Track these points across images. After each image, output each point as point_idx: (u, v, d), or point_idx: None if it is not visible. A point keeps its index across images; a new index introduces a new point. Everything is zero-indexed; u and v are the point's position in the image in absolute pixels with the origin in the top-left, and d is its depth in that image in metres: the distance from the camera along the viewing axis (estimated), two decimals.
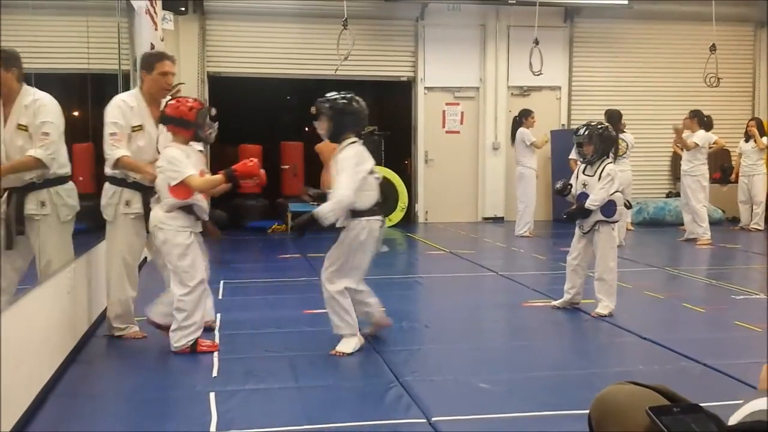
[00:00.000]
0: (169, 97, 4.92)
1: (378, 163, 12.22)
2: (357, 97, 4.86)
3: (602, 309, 5.73)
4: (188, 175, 4.45)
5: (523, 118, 11.16)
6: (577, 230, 5.97)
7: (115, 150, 4.79)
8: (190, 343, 4.61)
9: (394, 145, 13.59)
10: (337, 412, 3.68)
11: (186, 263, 4.56)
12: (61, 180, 4.45)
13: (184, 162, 4.49)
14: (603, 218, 5.76)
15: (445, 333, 5.41)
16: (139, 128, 4.90)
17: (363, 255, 4.77)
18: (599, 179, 5.73)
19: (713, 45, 11.18)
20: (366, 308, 4.92)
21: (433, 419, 3.52)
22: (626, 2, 12.88)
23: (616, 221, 5.96)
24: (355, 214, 4.67)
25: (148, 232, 4.91)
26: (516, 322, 5.94)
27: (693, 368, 4.40)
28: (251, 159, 4.63)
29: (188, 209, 4.56)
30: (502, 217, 13.50)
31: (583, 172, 5.88)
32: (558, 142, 13.04)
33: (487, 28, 13.48)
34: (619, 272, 6.05)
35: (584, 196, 5.81)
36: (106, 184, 5.00)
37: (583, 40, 13.91)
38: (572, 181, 6.04)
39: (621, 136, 10.16)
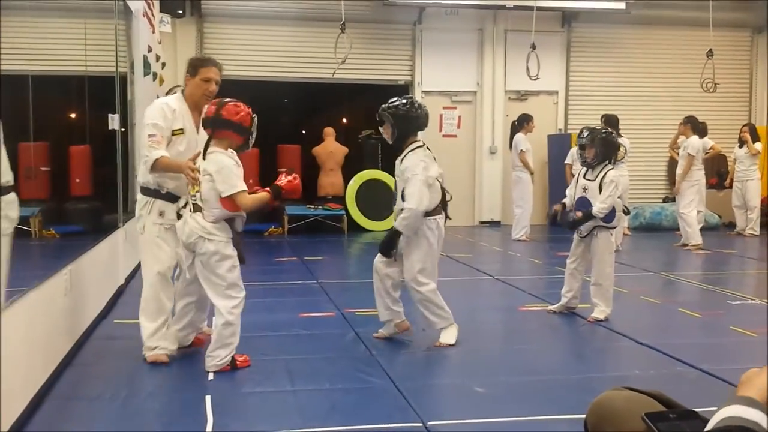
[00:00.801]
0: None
1: (375, 167, 12.35)
2: (417, 101, 5.17)
3: (598, 314, 5.74)
4: (241, 191, 4.22)
5: (523, 123, 11.17)
6: (575, 235, 5.97)
7: (153, 151, 4.47)
8: (230, 358, 4.36)
9: (391, 148, 13.54)
10: (332, 416, 3.68)
11: (236, 275, 4.34)
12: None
13: (237, 173, 4.25)
14: (602, 224, 5.75)
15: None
16: (180, 132, 4.69)
17: (436, 252, 5.13)
18: (601, 185, 5.70)
19: (710, 50, 11.21)
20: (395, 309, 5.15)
21: (429, 423, 3.51)
22: (623, 7, 12.91)
23: (615, 227, 5.94)
24: (426, 214, 4.96)
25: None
26: (512, 326, 5.94)
27: (689, 373, 4.40)
28: (294, 175, 4.50)
29: (230, 220, 4.32)
30: (499, 221, 13.50)
31: (584, 177, 5.87)
32: (555, 147, 13.07)
33: (485, 32, 13.50)
34: (615, 277, 6.06)
35: (583, 200, 5.79)
36: (139, 195, 4.77)
37: (580, 45, 13.94)
38: (569, 189, 6.06)
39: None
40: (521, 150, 11.02)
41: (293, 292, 6.98)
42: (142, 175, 4.66)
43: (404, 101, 5.06)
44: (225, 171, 4.20)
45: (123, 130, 7.42)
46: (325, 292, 6.83)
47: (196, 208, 4.25)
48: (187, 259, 4.41)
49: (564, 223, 6.00)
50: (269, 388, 4.07)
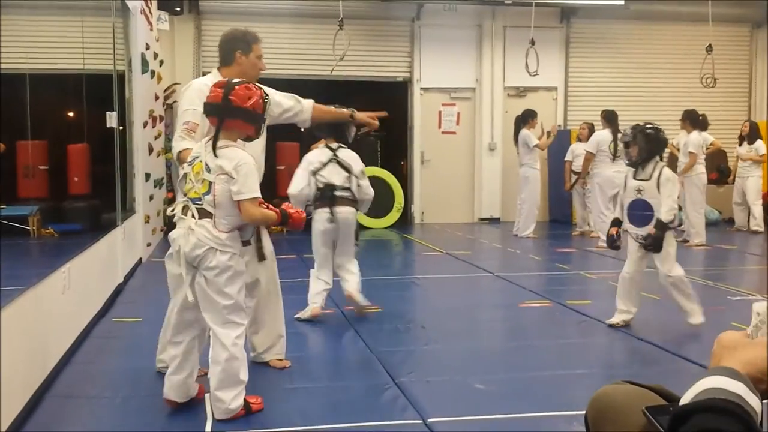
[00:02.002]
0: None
1: (374, 164, 12.32)
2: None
3: (693, 318, 5.34)
4: (255, 197, 3.53)
5: (527, 119, 11.15)
6: (631, 241, 5.49)
7: (180, 141, 3.97)
8: (242, 401, 3.63)
9: (390, 145, 13.58)
10: (332, 414, 3.67)
11: (243, 297, 3.65)
12: None
13: (256, 175, 3.58)
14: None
15: (441, 334, 5.39)
16: None
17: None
18: (658, 184, 5.24)
19: (710, 45, 11.19)
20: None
21: (429, 420, 3.51)
22: (622, 3, 12.89)
23: (674, 227, 5.48)
24: None
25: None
26: (512, 322, 5.93)
27: (690, 369, 4.39)
28: (303, 212, 3.87)
29: (241, 228, 3.64)
30: (498, 218, 13.49)
31: (634, 177, 5.42)
32: (555, 142, 13.03)
33: (483, 28, 13.48)
34: (615, 273, 5.99)
35: (641, 203, 5.34)
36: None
37: (579, 41, 13.92)
38: (620, 193, 5.62)
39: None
40: (534, 145, 10.99)
41: (292, 289, 6.94)
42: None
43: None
44: (245, 170, 3.50)
45: (121, 128, 7.40)
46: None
47: (203, 214, 3.51)
48: (187, 277, 3.57)
49: (643, 245, 5.36)
50: (268, 386, 4.06)
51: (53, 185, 6.69)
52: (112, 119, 6.76)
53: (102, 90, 6.92)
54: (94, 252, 5.45)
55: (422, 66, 13.33)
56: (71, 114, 7.07)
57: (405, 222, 13.17)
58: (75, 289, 4.75)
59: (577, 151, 11.36)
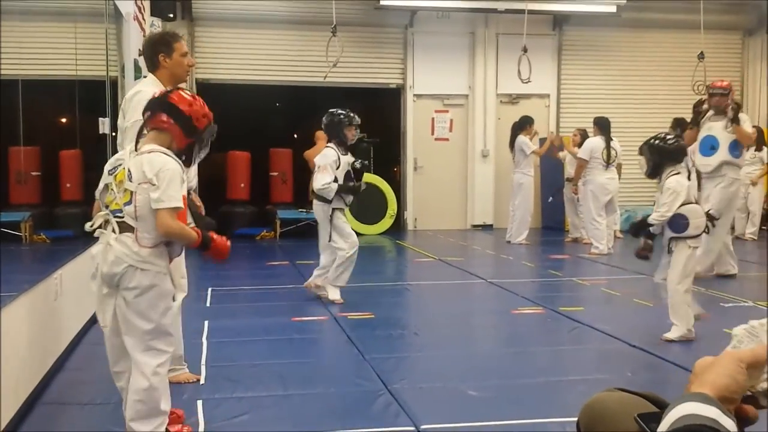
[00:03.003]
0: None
1: (367, 171, 12.33)
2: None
3: (671, 333, 5.21)
4: (176, 207, 3.15)
5: (524, 126, 11.18)
6: (664, 249, 5.44)
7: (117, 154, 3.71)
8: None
9: (383, 152, 13.58)
10: (325, 420, 3.67)
11: (168, 320, 3.30)
12: None
13: (179, 183, 3.19)
14: (676, 234, 5.21)
15: (434, 340, 5.40)
16: None
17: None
18: (662, 193, 5.24)
19: (701, 53, 11.23)
20: None
21: (422, 427, 3.51)
22: (614, 10, 12.94)
23: (692, 236, 5.24)
24: None
25: None
26: (505, 329, 5.94)
27: (681, 375, 4.40)
28: (227, 239, 3.50)
29: (169, 243, 3.27)
30: (491, 225, 13.50)
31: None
32: (547, 150, 13.08)
33: (476, 35, 13.52)
34: (607, 279, 6.05)
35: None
36: None
37: (571, 48, 13.96)
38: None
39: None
40: (532, 151, 11.02)
41: (286, 296, 6.96)
42: None
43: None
44: (168, 176, 3.12)
45: (114, 134, 7.38)
46: (317, 296, 6.81)
47: (124, 228, 3.15)
48: (109, 300, 3.23)
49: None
50: (262, 393, 4.06)
51: (46, 191, 6.66)
52: (104, 125, 6.74)
53: (95, 96, 6.91)
54: (86, 258, 5.43)
55: (415, 73, 13.35)
56: (64, 120, 7.05)
57: (398, 228, 13.17)
58: (67, 295, 4.74)
59: (568, 158, 11.40)
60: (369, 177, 12.28)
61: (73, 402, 3.99)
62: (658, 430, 1.19)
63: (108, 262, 3.14)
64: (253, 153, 13.05)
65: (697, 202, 5.54)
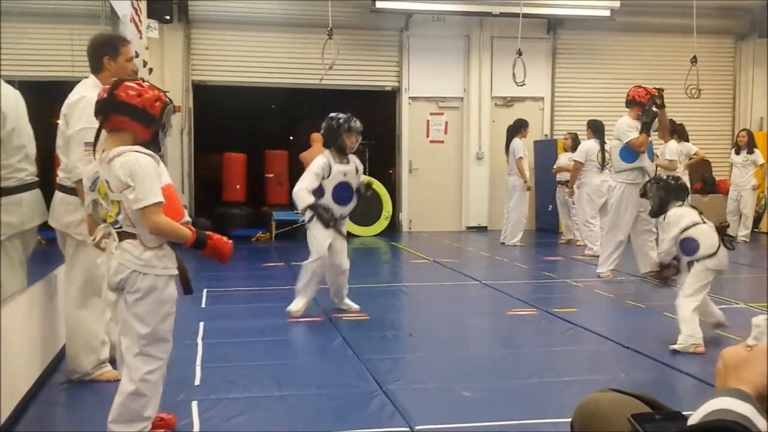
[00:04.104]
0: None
1: (363, 173, 12.37)
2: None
3: (678, 343, 5.03)
4: (158, 202, 3.07)
5: (519, 129, 11.22)
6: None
7: (89, 166, 3.54)
8: None
9: (379, 154, 13.62)
10: (320, 421, 3.69)
11: (168, 326, 3.24)
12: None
13: (154, 177, 3.10)
14: (689, 258, 5.18)
15: (428, 341, 5.42)
16: None
17: None
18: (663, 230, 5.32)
19: (694, 57, 11.30)
20: None
21: (417, 428, 3.53)
22: (608, 14, 13.00)
23: (704, 257, 5.12)
24: None
25: None
26: (500, 330, 5.96)
27: (674, 376, 4.44)
28: (230, 240, 3.44)
29: (174, 243, 3.27)
30: (486, 227, 13.55)
31: None
32: (541, 152, 13.13)
33: (471, 38, 13.56)
34: (601, 281, 6.01)
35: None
36: (68, 197, 4.22)
37: (566, 52, 14.02)
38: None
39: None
40: (519, 156, 11.06)
41: (281, 297, 6.96)
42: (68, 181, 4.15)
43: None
44: (141, 173, 3.05)
45: None
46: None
47: (124, 236, 3.13)
48: (115, 301, 3.25)
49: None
50: (257, 393, 4.07)
51: (42, 193, 6.66)
52: None
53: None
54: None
55: (410, 75, 13.39)
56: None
57: (393, 230, 13.20)
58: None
59: (562, 162, 11.44)
60: (364, 179, 12.30)
61: (67, 403, 4.01)
62: (689, 421, 1.20)
63: (112, 269, 3.13)
64: (249, 155, 13.07)
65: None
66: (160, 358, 3.23)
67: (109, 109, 3.16)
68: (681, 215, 5.27)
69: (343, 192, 6.03)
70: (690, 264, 5.19)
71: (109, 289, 3.20)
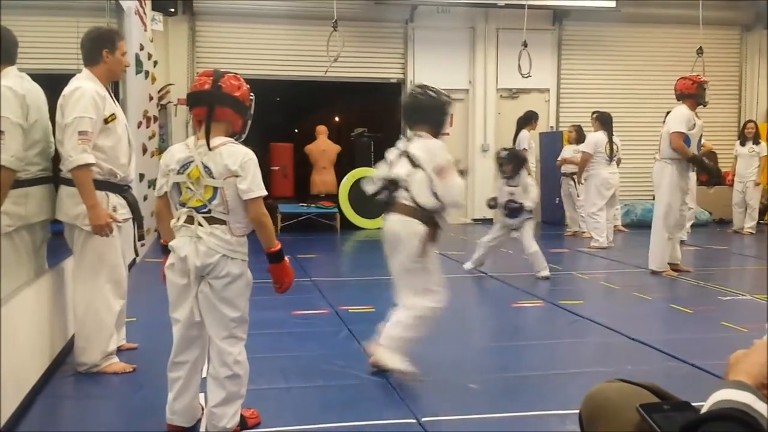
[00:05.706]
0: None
1: (368, 165, 12.36)
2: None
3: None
4: (264, 195, 3.23)
5: (529, 121, 11.19)
6: None
7: (84, 154, 3.99)
8: (239, 417, 3.40)
9: (384, 146, 13.57)
10: (326, 413, 3.69)
11: (248, 307, 3.39)
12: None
13: (260, 172, 3.26)
14: None
15: (434, 333, 5.40)
16: (114, 117, 4.27)
17: None
18: None
19: (700, 48, 11.26)
20: None
21: (423, 419, 3.53)
22: (614, 5, 12.96)
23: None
24: None
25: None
26: (505, 322, 5.96)
27: (680, 368, 4.43)
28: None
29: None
30: (491, 219, 13.52)
31: None
32: (546, 144, 13.11)
33: (476, 30, 13.53)
34: (607, 273, 6.05)
35: None
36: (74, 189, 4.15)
37: (571, 43, 13.98)
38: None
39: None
40: (523, 148, 11.04)
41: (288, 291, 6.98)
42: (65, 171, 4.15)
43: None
44: (252, 165, 3.19)
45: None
46: (318, 290, 6.84)
47: (213, 221, 3.19)
48: (188, 292, 3.25)
49: None
50: (263, 386, 4.07)
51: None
52: None
53: None
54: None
55: (416, 67, 13.36)
56: (57, 114, 7.05)
57: None
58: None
59: (566, 154, 11.42)
60: (370, 171, 12.30)
61: (74, 396, 4.02)
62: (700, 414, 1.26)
63: (200, 254, 3.17)
64: (254, 147, 12.94)
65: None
66: (244, 339, 3.36)
67: (214, 100, 3.23)
68: None
69: None
70: None
71: (185, 274, 3.20)
